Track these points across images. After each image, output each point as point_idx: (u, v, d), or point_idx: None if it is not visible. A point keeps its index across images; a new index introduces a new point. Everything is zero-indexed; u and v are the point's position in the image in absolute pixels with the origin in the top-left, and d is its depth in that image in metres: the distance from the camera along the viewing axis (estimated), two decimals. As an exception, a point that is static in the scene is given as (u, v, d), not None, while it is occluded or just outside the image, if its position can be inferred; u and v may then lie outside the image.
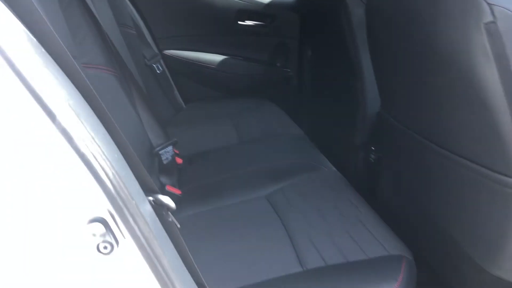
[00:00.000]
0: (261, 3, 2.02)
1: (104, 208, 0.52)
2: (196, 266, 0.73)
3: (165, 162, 1.24)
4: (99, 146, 0.51)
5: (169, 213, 0.71)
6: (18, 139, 0.50)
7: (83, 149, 0.50)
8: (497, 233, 0.89)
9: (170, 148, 1.26)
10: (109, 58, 1.10)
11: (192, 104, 2.05)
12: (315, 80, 1.98)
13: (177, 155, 1.43)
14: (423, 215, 1.12)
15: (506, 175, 0.84)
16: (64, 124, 0.49)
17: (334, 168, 1.38)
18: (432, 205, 1.07)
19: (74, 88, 0.56)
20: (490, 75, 0.75)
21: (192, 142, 1.63)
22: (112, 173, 0.52)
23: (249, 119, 1.78)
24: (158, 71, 1.88)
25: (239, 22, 2.02)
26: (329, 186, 1.25)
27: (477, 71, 0.77)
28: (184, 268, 0.69)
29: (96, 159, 0.51)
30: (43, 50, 0.54)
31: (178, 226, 0.73)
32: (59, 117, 0.49)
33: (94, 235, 0.52)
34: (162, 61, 1.97)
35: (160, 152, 1.22)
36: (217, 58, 2.07)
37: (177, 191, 1.27)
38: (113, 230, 0.52)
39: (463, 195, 0.95)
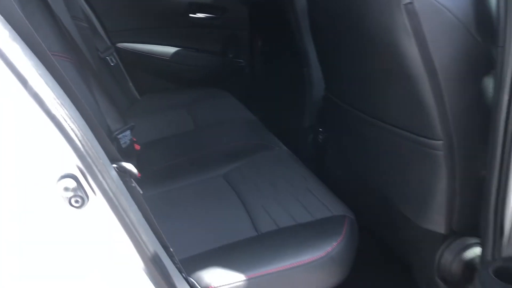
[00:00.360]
0: (211, -4, 2.09)
1: (74, 164, 0.58)
2: (159, 229, 0.79)
3: (123, 146, 1.28)
4: (67, 110, 0.57)
5: (132, 179, 0.77)
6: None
7: (54, 111, 0.55)
8: (425, 190, 1.02)
9: (128, 132, 1.30)
10: (64, 45, 1.13)
11: (147, 96, 2.09)
12: (266, 69, 2.07)
13: (135, 142, 1.47)
14: (364, 183, 1.24)
15: (430, 138, 0.96)
16: (35, 88, 0.54)
17: (285, 148, 1.48)
18: (370, 172, 1.20)
19: (39, 61, 0.62)
20: (410, 49, 0.87)
21: (149, 130, 1.67)
22: (81, 134, 0.58)
23: (204, 108, 1.85)
24: (111, 64, 1.91)
25: (191, 15, 2.08)
26: (281, 163, 1.35)
27: (400, 46, 0.89)
28: (149, 228, 0.76)
29: (66, 121, 0.56)
30: (9, 26, 0.59)
31: (141, 192, 0.80)
32: (30, 82, 0.54)
33: (66, 189, 0.57)
34: (115, 54, 1.99)
35: (119, 136, 1.26)
36: (170, 50, 2.11)
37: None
38: (83, 185, 0.58)
39: (396, 159, 1.08)
